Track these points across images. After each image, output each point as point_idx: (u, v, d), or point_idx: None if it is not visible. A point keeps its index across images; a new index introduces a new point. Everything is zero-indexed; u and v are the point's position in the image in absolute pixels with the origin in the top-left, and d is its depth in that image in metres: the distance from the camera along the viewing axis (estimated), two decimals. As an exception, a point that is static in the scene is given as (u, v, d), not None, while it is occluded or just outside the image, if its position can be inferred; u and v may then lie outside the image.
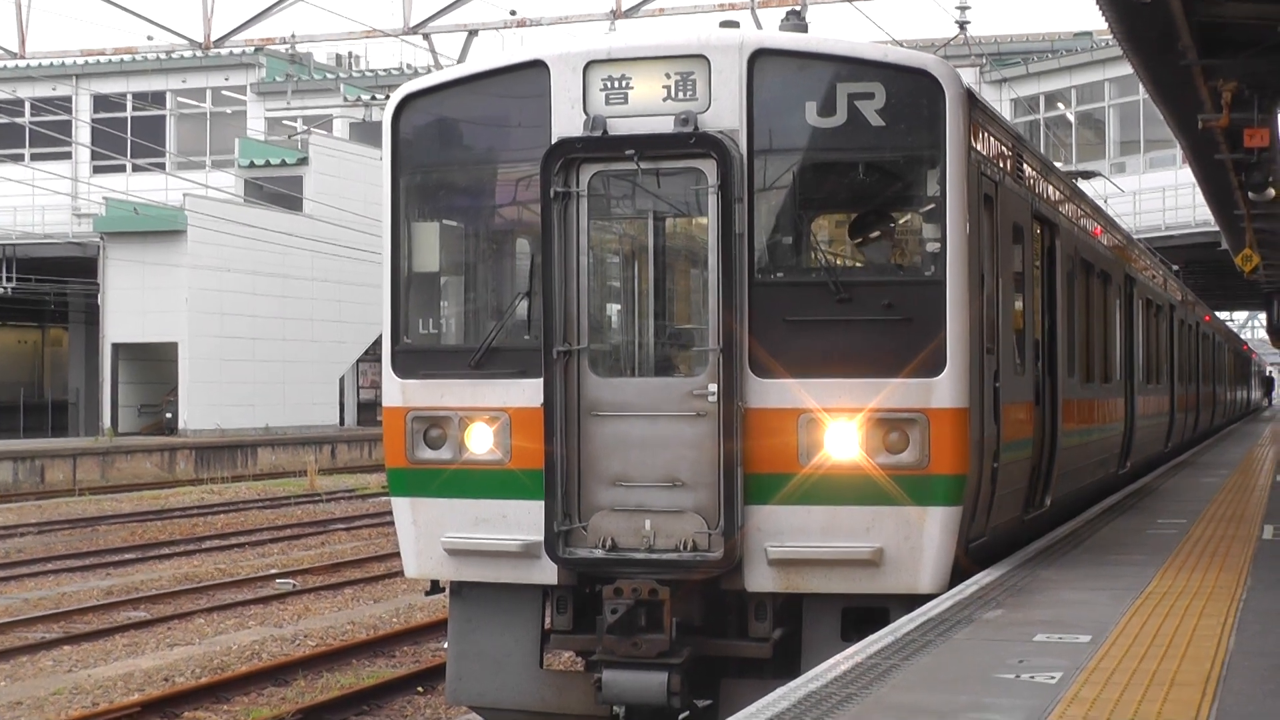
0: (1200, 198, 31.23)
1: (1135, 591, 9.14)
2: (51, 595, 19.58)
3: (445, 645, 10.35)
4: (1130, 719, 5.88)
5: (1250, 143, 15.87)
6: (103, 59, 59.89)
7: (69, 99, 58.11)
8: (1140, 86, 27.17)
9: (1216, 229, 32.93)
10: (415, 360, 9.88)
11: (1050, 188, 12.84)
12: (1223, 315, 63.19)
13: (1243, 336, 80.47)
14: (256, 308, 50.45)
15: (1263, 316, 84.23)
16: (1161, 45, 14.31)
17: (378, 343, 11.15)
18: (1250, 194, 22.18)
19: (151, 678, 14.18)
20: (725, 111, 9.15)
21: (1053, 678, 6.60)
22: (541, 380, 9.26)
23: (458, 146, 10.15)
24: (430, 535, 9.75)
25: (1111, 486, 17.14)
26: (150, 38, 61.12)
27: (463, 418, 9.64)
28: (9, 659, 15.19)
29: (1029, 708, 6.05)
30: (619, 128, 9.24)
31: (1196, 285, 42.09)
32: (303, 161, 53.48)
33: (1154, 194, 43.45)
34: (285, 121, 58.59)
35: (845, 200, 9.81)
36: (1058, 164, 20.83)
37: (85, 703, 13.16)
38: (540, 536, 9.30)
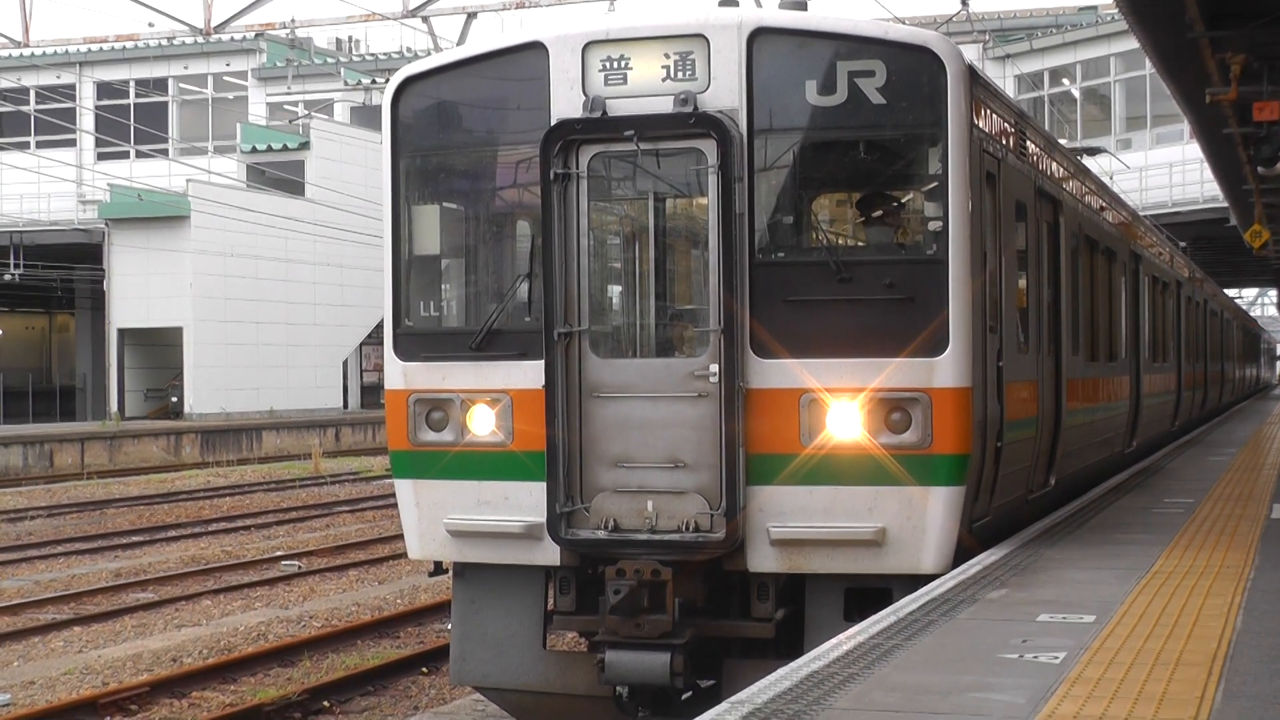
0: (1208, 173, 31.14)
1: (1141, 571, 9.10)
2: (61, 577, 19.66)
3: (449, 626, 10.36)
4: (1135, 699, 5.85)
5: (1260, 116, 15.73)
6: (105, 46, 59.96)
7: (73, 86, 58.11)
8: (1146, 61, 27.12)
9: (1225, 205, 32.82)
10: (417, 343, 9.85)
11: (1054, 164, 12.77)
12: (1231, 292, 63.07)
13: (1252, 314, 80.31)
14: (260, 292, 50.49)
15: (1273, 293, 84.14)
16: (1168, 18, 14.20)
17: (380, 326, 11.21)
18: (1259, 168, 22.07)
19: (160, 658, 14.23)
20: (725, 91, 9.10)
21: (1056, 658, 6.58)
22: (543, 362, 9.23)
23: (457, 129, 10.10)
24: (433, 517, 9.74)
25: (1117, 465, 17.10)
26: (152, 24, 61.43)
27: (464, 400, 9.62)
28: (21, 640, 15.30)
29: (1032, 687, 6.02)
30: (618, 108, 9.20)
31: (1204, 262, 42.00)
32: (304, 146, 53.47)
33: (1160, 170, 43.33)
34: (286, 106, 58.55)
35: (846, 179, 9.76)
36: (1062, 140, 20.77)
37: (95, 682, 13.23)
38: (543, 518, 9.28)
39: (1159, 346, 21.41)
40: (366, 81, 56.01)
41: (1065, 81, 50.01)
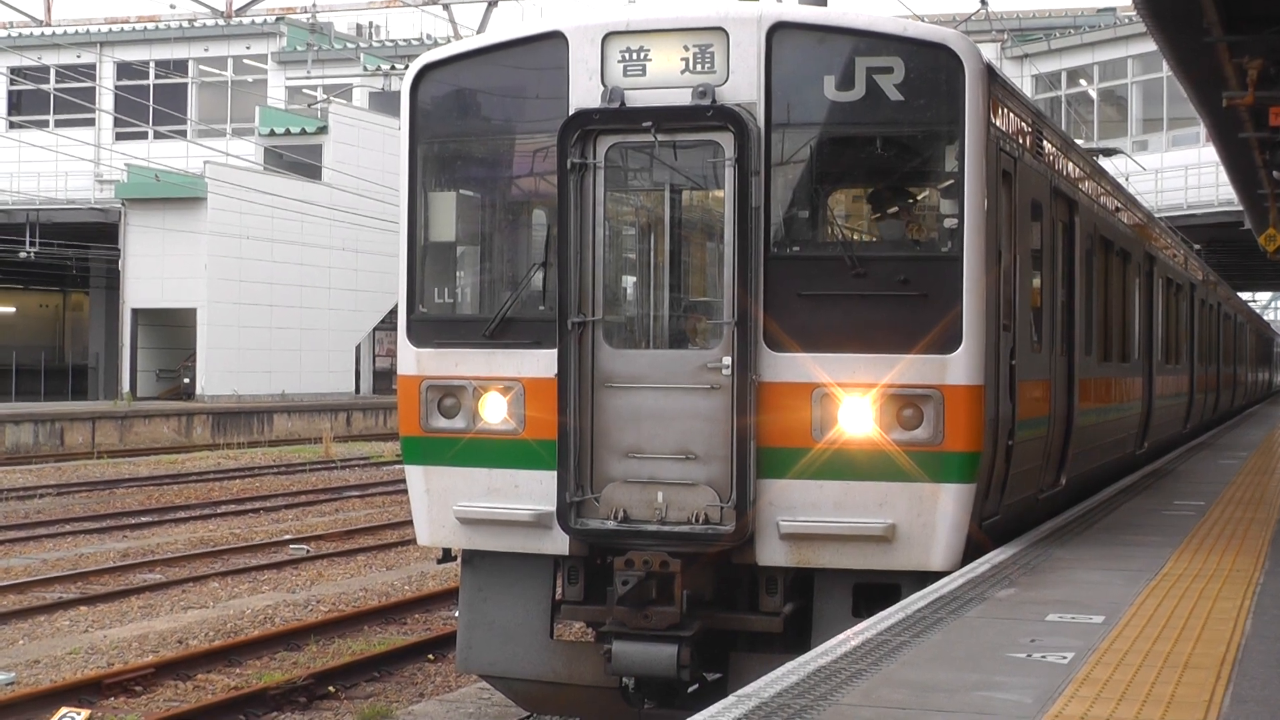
0: (1223, 177, 31.09)
1: (1150, 573, 9.09)
2: (69, 556, 19.70)
3: (456, 614, 10.36)
4: (1143, 701, 5.85)
5: (1276, 121, 15.71)
6: (126, 27, 60.14)
7: (93, 66, 58.22)
8: (1163, 63, 27.06)
9: (1239, 208, 32.79)
10: (430, 329, 9.87)
11: (1070, 165, 12.75)
12: (1245, 296, 62.93)
13: (1266, 317, 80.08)
14: (275, 275, 50.56)
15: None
16: (1185, 21, 14.18)
17: (394, 311, 11.26)
18: (1275, 173, 22.06)
19: (166, 639, 14.26)
20: (743, 84, 9.10)
21: (1065, 658, 6.57)
22: (556, 351, 9.24)
23: (476, 117, 10.12)
24: (443, 504, 9.75)
25: (1128, 467, 17.08)
26: (173, 6, 61.51)
27: (477, 387, 9.63)
28: (27, 618, 15.33)
29: (1040, 687, 6.02)
30: (637, 99, 9.20)
31: (1218, 265, 41.92)
32: (322, 130, 53.52)
33: (1176, 172, 43.24)
34: (305, 90, 58.62)
35: (862, 175, 9.76)
36: (1079, 141, 20.73)
37: (100, 663, 13.25)
38: (552, 507, 9.29)
39: (1172, 349, 21.37)
40: (386, 67, 56.12)
41: (1082, 82, 49.91)
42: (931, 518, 8.91)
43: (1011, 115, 10.05)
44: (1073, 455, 12.33)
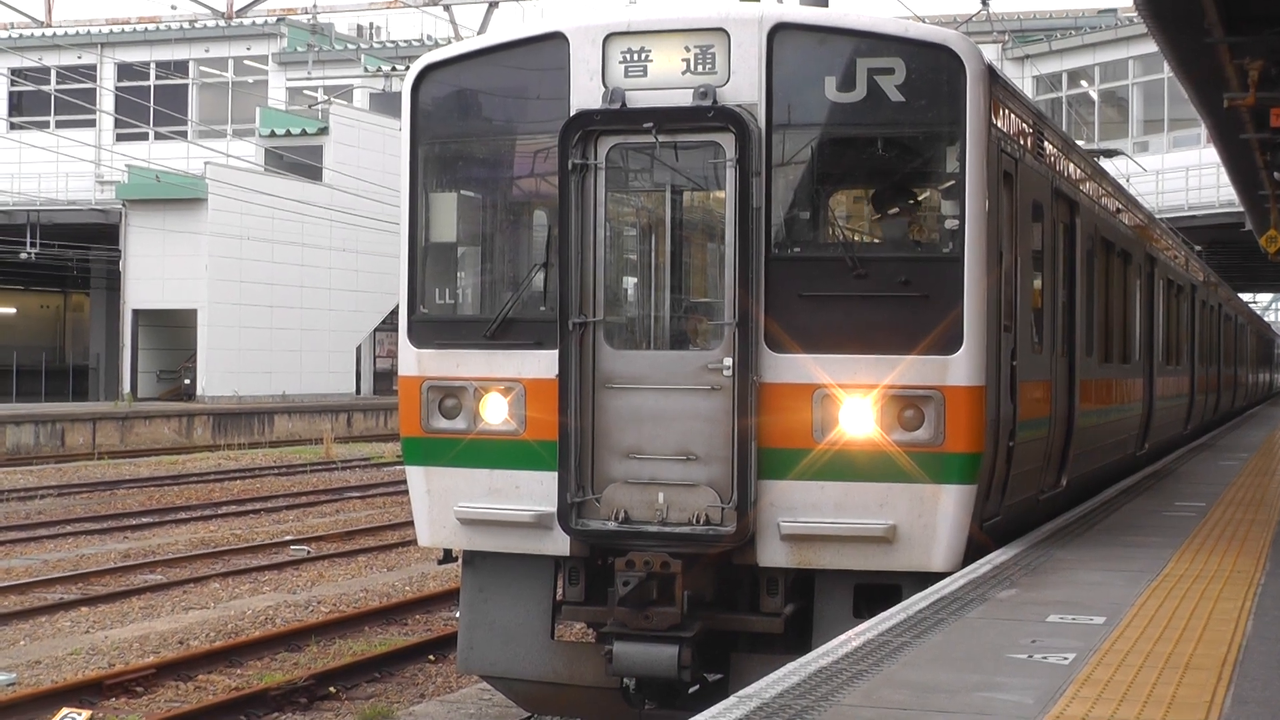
0: (1224, 178, 31.12)
1: (1151, 574, 9.09)
2: (70, 557, 19.71)
3: (457, 614, 10.37)
4: (1144, 702, 5.85)
5: (1277, 122, 15.73)
6: (127, 28, 60.17)
7: (94, 67, 58.25)
8: (1164, 64, 27.07)
9: (1241, 210, 32.80)
10: (431, 330, 9.87)
11: (1071, 166, 12.76)
12: (1246, 297, 62.94)
13: (1267, 319, 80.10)
14: (275, 276, 50.57)
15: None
16: (1186, 22, 14.18)
17: (395, 312, 11.28)
18: (1276, 174, 22.08)
19: (167, 640, 14.26)
20: (744, 85, 9.11)
21: (1066, 659, 6.57)
22: (557, 352, 9.24)
23: (477, 118, 10.12)
24: (444, 504, 9.76)
25: (1129, 468, 17.08)
26: (174, 7, 61.57)
27: (478, 388, 9.64)
28: (28, 619, 15.35)
29: (1041, 688, 6.02)
30: (638, 100, 9.21)
31: (1219, 266, 41.91)
32: (323, 131, 53.53)
33: (1177, 173, 43.24)
34: (306, 91, 58.64)
35: (863, 176, 9.77)
36: (1080, 142, 20.73)
37: (102, 664, 13.26)
38: (553, 507, 9.30)
39: (1173, 350, 21.37)
40: (386, 68, 56.18)
41: (1083, 83, 49.91)
42: (932, 519, 8.92)
43: (1012, 116, 10.05)
44: (1074, 456, 12.33)
